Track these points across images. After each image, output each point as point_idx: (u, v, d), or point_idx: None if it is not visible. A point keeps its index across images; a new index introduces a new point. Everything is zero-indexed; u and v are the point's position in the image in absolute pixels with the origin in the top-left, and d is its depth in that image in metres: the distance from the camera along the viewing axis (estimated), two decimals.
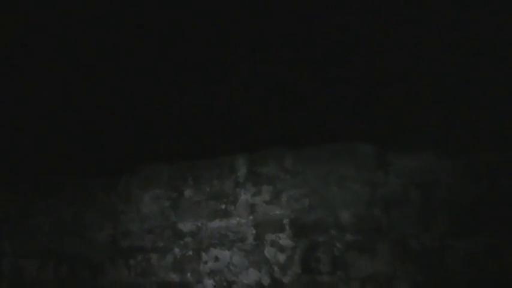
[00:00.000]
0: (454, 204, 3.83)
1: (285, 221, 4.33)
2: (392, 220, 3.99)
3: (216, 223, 4.60)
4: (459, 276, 3.69)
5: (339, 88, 3.49)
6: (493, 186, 3.75)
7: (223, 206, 4.61)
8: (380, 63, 3.21)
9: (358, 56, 3.16)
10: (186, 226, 4.73)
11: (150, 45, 3.20)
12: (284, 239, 4.29)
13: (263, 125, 4.08)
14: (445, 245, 3.76)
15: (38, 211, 5.48)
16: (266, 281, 4.26)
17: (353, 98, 3.59)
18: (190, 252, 4.64)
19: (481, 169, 3.81)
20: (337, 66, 3.26)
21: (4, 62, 3.25)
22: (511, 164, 3.72)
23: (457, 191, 3.85)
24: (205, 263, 4.54)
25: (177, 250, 4.70)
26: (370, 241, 4.02)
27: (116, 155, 4.86)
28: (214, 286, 4.45)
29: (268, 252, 4.32)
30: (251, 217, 4.47)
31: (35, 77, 3.51)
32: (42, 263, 5.28)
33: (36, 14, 2.88)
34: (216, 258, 4.51)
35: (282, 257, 4.26)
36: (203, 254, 4.58)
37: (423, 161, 4.01)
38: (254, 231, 4.44)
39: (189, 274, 4.58)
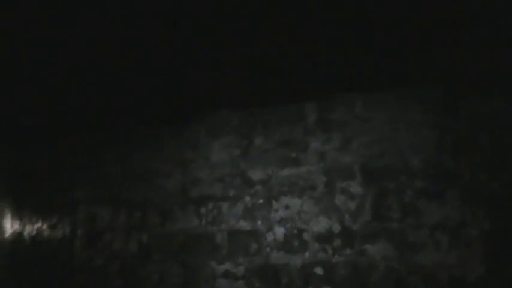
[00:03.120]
0: None
1: (355, 167, 4.70)
2: (461, 166, 4.28)
3: (286, 171, 5.01)
4: None
5: (406, 31, 3.77)
6: None
7: (293, 154, 5.00)
8: (450, 5, 3.49)
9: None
10: (256, 174, 5.16)
11: None
12: (354, 186, 4.67)
13: (331, 70, 4.41)
14: None
15: (109, 159, 6.08)
16: (336, 228, 4.66)
17: (421, 41, 3.87)
18: (261, 201, 5.07)
19: None
20: (404, 9, 3.56)
21: None
22: None
23: None
24: (276, 211, 4.97)
25: (247, 198, 5.14)
26: (439, 187, 4.34)
27: (184, 102, 5.26)
28: (285, 234, 4.87)
29: (339, 199, 4.71)
30: (321, 164, 4.85)
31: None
32: (114, 209, 5.89)
33: None
34: (287, 206, 4.93)
35: (352, 205, 4.65)
36: (274, 202, 5.00)
37: (493, 106, 4.25)
38: (324, 179, 4.82)
39: (259, 222, 5.02)
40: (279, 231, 4.93)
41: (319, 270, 4.66)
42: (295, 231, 4.87)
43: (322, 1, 3.42)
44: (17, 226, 6.58)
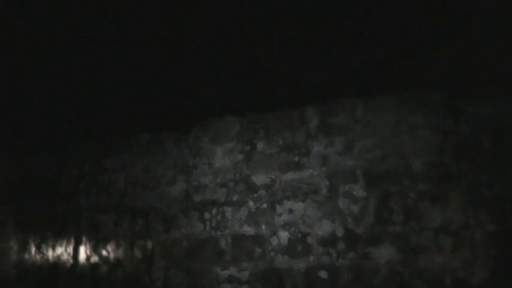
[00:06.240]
0: None
1: (358, 171, 4.70)
2: (464, 168, 4.29)
3: (289, 175, 5.02)
4: None
5: (406, 34, 3.79)
6: None
7: (295, 158, 5.01)
8: (448, 9, 3.51)
9: (429, 2, 3.48)
10: (259, 179, 5.17)
11: None
12: (357, 190, 4.68)
13: (332, 74, 4.43)
14: None
15: (111, 166, 6.12)
16: (340, 232, 4.67)
17: (421, 44, 3.89)
18: (265, 205, 5.08)
19: None
20: (404, 12, 3.58)
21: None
22: None
23: None
24: (280, 215, 4.98)
25: (251, 203, 5.16)
26: (442, 190, 4.35)
27: (186, 109, 5.29)
28: (289, 238, 4.88)
29: (342, 203, 4.72)
30: (324, 168, 4.86)
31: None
32: (118, 217, 5.93)
33: None
34: (290, 211, 4.94)
35: (355, 208, 4.66)
36: (277, 206, 5.01)
37: (494, 107, 4.26)
38: (327, 183, 4.83)
39: (263, 226, 5.04)
40: (283, 235, 4.95)
41: (323, 274, 4.67)
42: (299, 235, 4.88)
43: (323, 6, 3.45)
44: (21, 235, 6.61)
